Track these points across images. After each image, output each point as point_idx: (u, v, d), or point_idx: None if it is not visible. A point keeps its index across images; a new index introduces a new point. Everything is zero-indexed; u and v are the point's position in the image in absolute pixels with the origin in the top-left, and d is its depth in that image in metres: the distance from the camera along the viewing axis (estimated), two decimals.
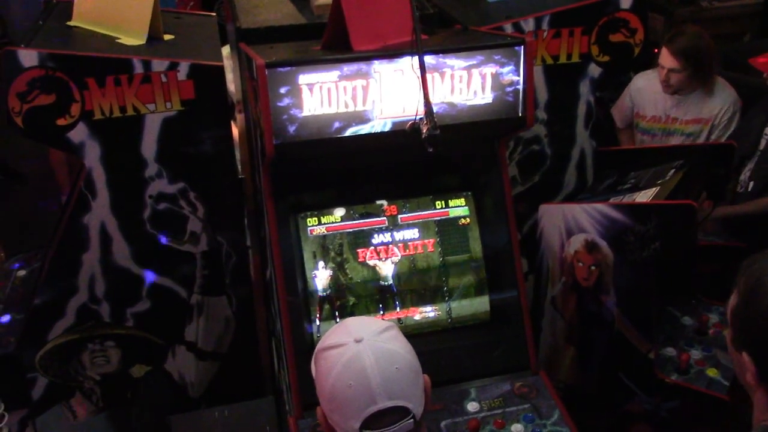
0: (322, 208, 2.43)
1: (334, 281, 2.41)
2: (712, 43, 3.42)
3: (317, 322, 2.39)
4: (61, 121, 2.34)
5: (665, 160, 2.85)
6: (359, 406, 1.37)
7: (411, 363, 1.44)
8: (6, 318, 2.74)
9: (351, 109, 2.20)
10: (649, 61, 3.72)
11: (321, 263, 2.41)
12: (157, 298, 2.64)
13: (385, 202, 2.48)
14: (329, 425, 1.46)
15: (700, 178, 2.73)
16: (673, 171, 2.74)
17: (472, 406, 2.32)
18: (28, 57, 2.27)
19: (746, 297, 1.31)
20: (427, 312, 2.47)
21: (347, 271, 2.43)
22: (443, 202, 2.51)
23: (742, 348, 1.33)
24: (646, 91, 3.57)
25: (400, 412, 1.39)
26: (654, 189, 2.64)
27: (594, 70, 2.86)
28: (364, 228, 2.45)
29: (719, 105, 3.41)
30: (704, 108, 3.43)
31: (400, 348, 1.44)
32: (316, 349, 1.50)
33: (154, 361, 2.73)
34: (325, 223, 2.42)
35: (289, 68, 2.13)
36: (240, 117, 2.73)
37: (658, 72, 3.44)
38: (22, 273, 3.00)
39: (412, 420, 1.40)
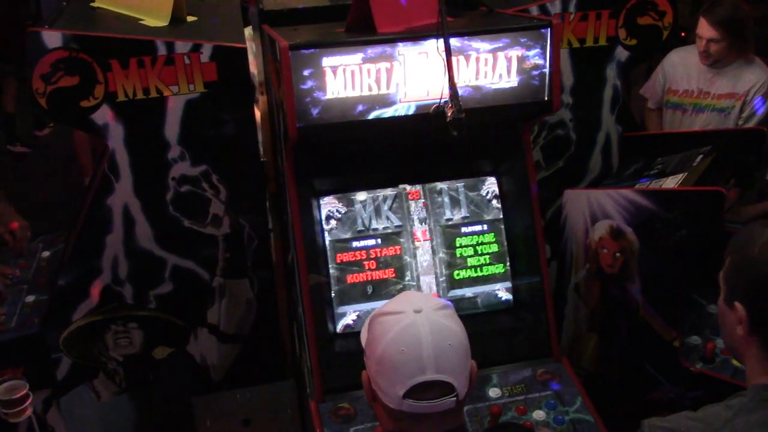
0: (345, 191, 2.42)
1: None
2: (749, 13, 3.39)
3: (338, 306, 2.39)
4: (84, 103, 2.34)
5: (693, 146, 2.80)
6: (407, 373, 1.39)
7: (463, 343, 1.45)
8: (31, 298, 2.77)
9: (375, 92, 2.18)
10: (676, 46, 3.67)
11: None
12: (180, 280, 2.64)
13: (407, 186, 2.46)
14: (372, 390, 1.47)
15: (728, 164, 2.68)
16: (701, 157, 2.69)
17: (493, 392, 2.31)
18: (52, 38, 2.27)
19: (737, 253, 1.43)
20: (449, 297, 2.46)
21: None
22: None
23: (734, 299, 1.41)
24: (680, 65, 3.56)
25: (445, 388, 1.40)
26: (681, 175, 2.60)
27: (621, 53, 2.81)
28: None
29: (753, 80, 3.39)
30: (738, 83, 3.41)
31: (456, 326, 1.46)
32: (371, 315, 1.52)
33: (176, 343, 2.74)
34: None
35: (312, 50, 2.11)
36: (262, 99, 2.72)
37: (697, 43, 3.42)
38: (46, 254, 3.03)
39: (455, 398, 1.41)
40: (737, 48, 3.37)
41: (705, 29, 3.36)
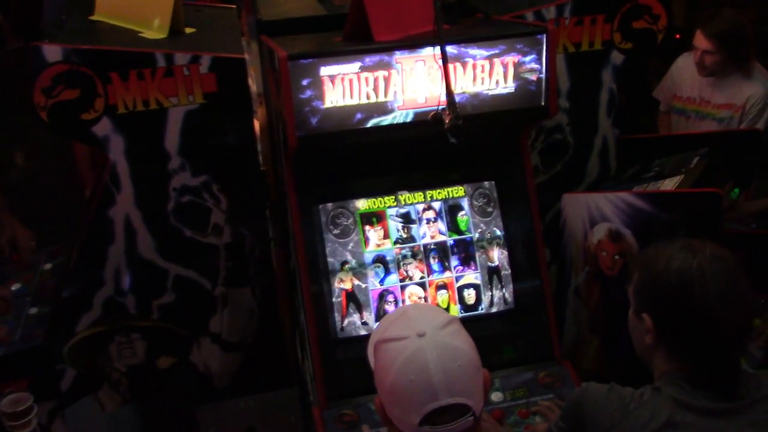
0: (345, 199, 2.44)
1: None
2: (749, 27, 3.41)
3: (340, 313, 2.40)
4: (85, 116, 2.36)
5: (690, 148, 2.82)
6: (420, 402, 1.37)
7: (473, 359, 1.43)
8: (34, 310, 2.78)
9: (373, 100, 2.20)
10: (671, 48, 3.70)
11: None
12: (182, 290, 2.66)
13: (406, 193, 2.48)
14: (386, 416, 1.46)
15: (725, 165, 2.70)
16: (698, 159, 2.71)
17: (495, 396, 2.32)
18: (53, 52, 2.29)
19: (644, 269, 1.56)
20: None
21: None
22: None
23: (642, 311, 1.55)
24: (685, 71, 3.59)
25: (461, 409, 1.39)
26: (679, 177, 2.61)
27: (616, 57, 2.83)
28: None
29: (752, 92, 3.40)
30: (737, 94, 3.43)
31: (463, 344, 1.43)
32: (375, 339, 1.49)
33: (179, 353, 2.76)
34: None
35: (311, 60, 2.13)
36: (260, 110, 2.74)
37: (693, 53, 3.44)
38: (48, 266, 3.04)
39: (472, 417, 1.40)
40: (734, 62, 3.39)
41: (700, 40, 3.38)
